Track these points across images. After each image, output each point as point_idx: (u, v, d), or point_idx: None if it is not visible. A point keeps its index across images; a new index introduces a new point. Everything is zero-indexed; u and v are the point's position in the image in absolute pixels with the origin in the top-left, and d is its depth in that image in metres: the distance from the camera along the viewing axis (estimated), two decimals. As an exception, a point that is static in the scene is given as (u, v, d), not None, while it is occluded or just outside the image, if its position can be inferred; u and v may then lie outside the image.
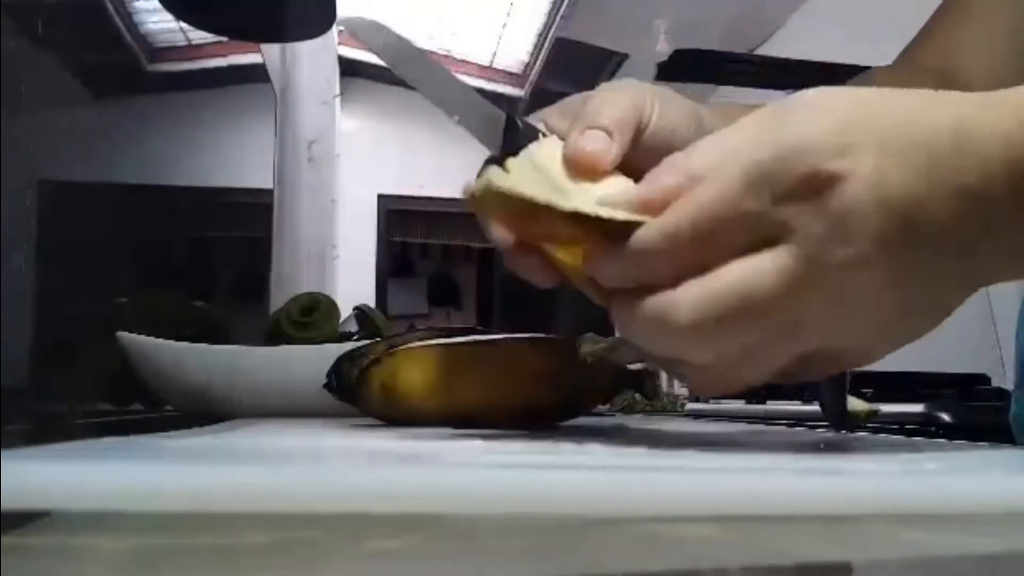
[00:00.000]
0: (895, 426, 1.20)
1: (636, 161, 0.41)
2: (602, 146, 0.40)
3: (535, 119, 0.47)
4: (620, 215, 0.34)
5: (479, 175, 0.39)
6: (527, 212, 0.37)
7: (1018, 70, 0.60)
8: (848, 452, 0.38)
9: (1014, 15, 0.61)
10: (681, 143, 0.41)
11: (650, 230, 0.33)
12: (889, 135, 0.32)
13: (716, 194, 0.32)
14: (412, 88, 0.48)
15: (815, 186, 0.31)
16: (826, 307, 0.32)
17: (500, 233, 0.40)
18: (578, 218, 0.35)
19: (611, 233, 0.35)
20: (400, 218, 4.77)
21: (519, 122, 0.45)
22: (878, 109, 0.33)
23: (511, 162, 0.40)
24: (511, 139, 0.45)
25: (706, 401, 1.74)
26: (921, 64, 0.65)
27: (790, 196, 0.31)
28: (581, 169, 0.40)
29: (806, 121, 0.32)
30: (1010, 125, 0.32)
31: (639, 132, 0.42)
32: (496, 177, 0.37)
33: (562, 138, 0.42)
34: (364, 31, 0.48)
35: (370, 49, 0.48)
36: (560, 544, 0.21)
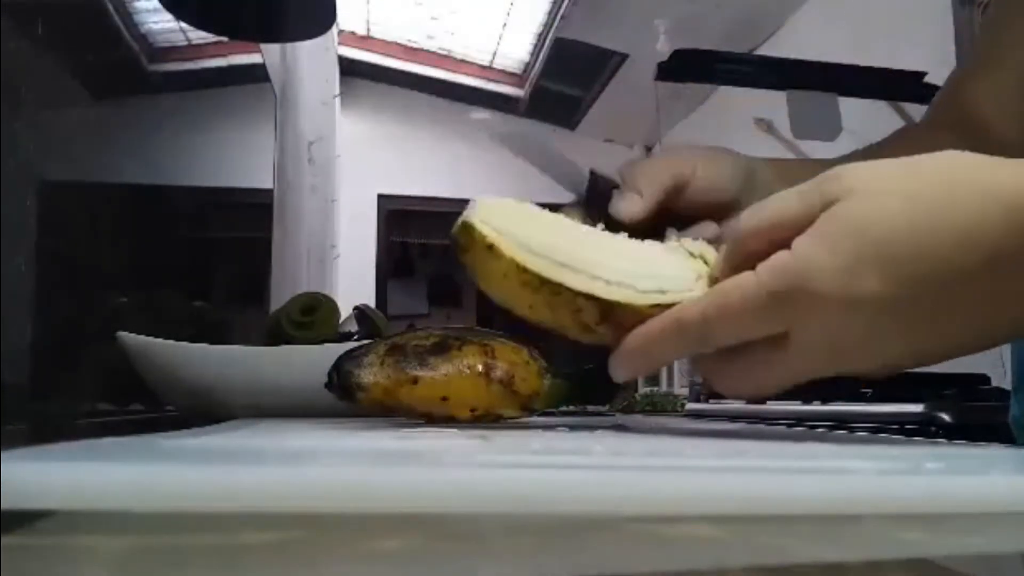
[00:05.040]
0: (895, 426, 1.20)
1: (680, 212, 0.54)
2: (626, 213, 0.53)
3: (616, 172, 0.57)
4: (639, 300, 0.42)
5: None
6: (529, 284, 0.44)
7: None
8: (848, 452, 0.38)
9: None
10: (724, 196, 0.56)
11: (692, 311, 0.41)
12: (891, 265, 0.37)
13: (738, 298, 0.40)
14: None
15: (818, 307, 0.38)
16: (827, 370, 0.40)
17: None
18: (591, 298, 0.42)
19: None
20: (400, 218, 4.77)
21: (600, 179, 0.55)
22: (884, 242, 0.38)
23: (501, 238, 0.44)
24: (592, 191, 0.56)
25: (706, 401, 1.74)
26: (944, 122, 0.68)
27: (796, 315, 0.39)
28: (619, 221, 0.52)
29: (813, 252, 0.38)
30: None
31: (680, 187, 0.54)
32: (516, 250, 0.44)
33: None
34: (511, 140, 0.61)
35: (518, 155, 0.60)
36: (560, 544, 0.21)
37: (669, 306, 0.42)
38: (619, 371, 0.45)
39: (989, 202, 0.37)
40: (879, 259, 0.37)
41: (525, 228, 0.44)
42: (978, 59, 0.67)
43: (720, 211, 0.56)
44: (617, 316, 0.42)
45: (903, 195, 0.38)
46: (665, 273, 0.43)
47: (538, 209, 0.46)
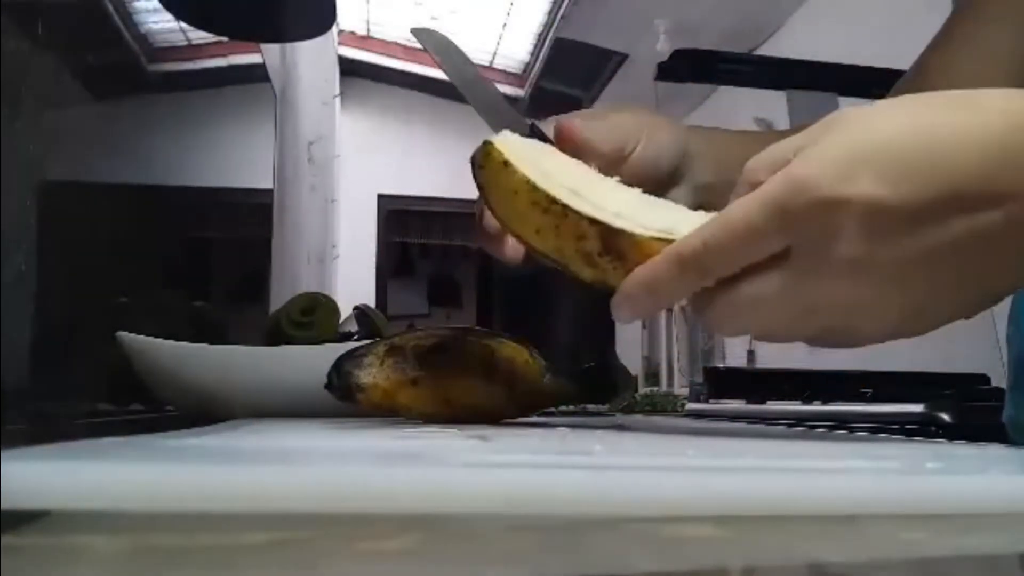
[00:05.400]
0: (895, 426, 1.20)
1: (625, 178, 0.48)
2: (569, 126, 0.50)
3: (548, 123, 0.54)
4: (638, 231, 0.41)
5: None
6: (534, 202, 0.41)
7: None
8: (848, 452, 0.38)
9: (1012, 44, 0.63)
10: (666, 166, 0.53)
11: (692, 239, 0.40)
12: (889, 163, 0.37)
13: (739, 217, 0.38)
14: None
15: (817, 211, 0.37)
16: (830, 300, 0.38)
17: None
18: (595, 223, 0.42)
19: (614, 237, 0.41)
20: (400, 218, 4.77)
21: (539, 130, 0.52)
22: (880, 138, 0.37)
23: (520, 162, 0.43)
24: None
25: (706, 401, 1.74)
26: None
27: (796, 221, 0.37)
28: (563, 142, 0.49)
29: (813, 157, 0.38)
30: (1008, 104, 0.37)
31: (625, 153, 0.51)
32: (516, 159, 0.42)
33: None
34: (426, 39, 0.56)
35: (433, 57, 0.56)
36: (560, 544, 0.21)
37: (662, 239, 0.41)
38: (621, 311, 0.42)
39: (1012, 112, 0.37)
40: (885, 160, 0.36)
41: (544, 158, 0.45)
42: (945, 38, 0.67)
43: (657, 184, 0.53)
44: (620, 247, 0.41)
45: (899, 107, 0.39)
46: (674, 217, 0.42)
47: (560, 152, 0.48)
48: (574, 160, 0.48)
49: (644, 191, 0.46)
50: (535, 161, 0.44)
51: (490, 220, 0.49)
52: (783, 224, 0.37)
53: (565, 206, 0.42)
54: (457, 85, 0.53)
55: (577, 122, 0.51)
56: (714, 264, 0.39)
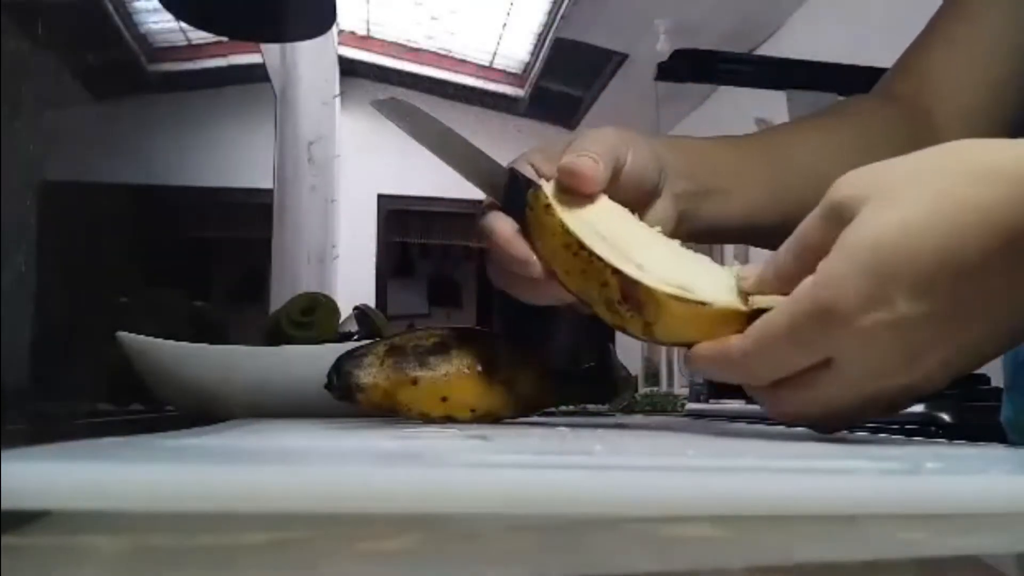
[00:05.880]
0: (895, 426, 1.20)
1: (613, 196, 0.49)
2: (590, 169, 0.48)
3: (520, 161, 0.53)
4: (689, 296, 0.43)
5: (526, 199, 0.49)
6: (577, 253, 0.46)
7: (988, 100, 0.63)
8: (848, 452, 0.38)
9: (991, 44, 0.63)
10: (651, 179, 0.52)
11: (735, 347, 0.42)
12: (917, 278, 0.37)
13: (778, 329, 0.40)
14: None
15: (850, 333, 0.38)
16: (879, 392, 0.40)
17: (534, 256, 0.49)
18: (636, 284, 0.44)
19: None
20: (400, 218, 4.77)
21: (519, 175, 0.52)
22: (906, 255, 0.37)
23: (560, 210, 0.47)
24: (513, 190, 0.51)
25: (706, 401, 1.74)
26: (895, 94, 0.68)
27: (831, 340, 0.39)
28: (572, 186, 0.48)
29: (837, 276, 0.38)
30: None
31: (617, 171, 0.50)
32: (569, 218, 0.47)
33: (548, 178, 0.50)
34: (390, 111, 0.57)
35: (399, 126, 0.57)
36: (560, 544, 0.21)
37: (690, 302, 0.43)
38: (689, 366, 0.46)
39: (995, 181, 0.37)
40: (906, 276, 0.37)
41: (588, 206, 0.48)
42: (932, 33, 0.67)
43: (644, 197, 0.52)
44: (637, 297, 0.44)
45: (916, 201, 0.38)
46: (699, 278, 0.44)
47: (605, 197, 0.50)
48: (619, 207, 0.50)
49: (663, 232, 0.49)
50: (579, 204, 0.48)
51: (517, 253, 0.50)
52: (819, 343, 0.39)
53: (591, 253, 0.45)
54: (428, 148, 0.55)
55: (585, 161, 0.48)
56: (756, 371, 0.41)
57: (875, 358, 0.39)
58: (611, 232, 0.47)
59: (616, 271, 0.44)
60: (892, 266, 0.37)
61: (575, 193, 0.48)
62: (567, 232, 0.46)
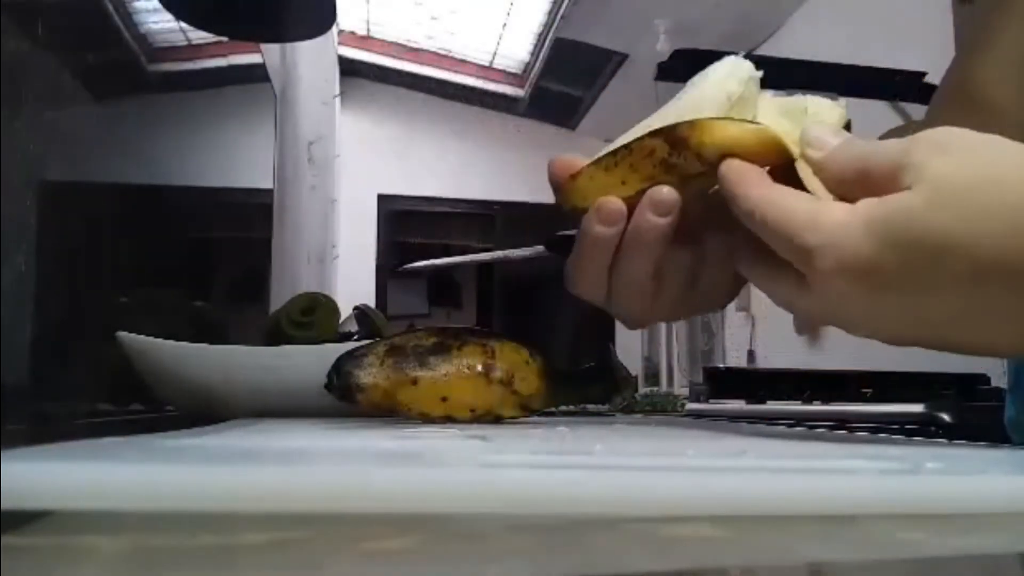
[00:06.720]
0: (895, 426, 1.20)
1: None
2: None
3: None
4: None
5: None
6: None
7: None
8: (848, 452, 0.38)
9: None
10: None
11: (766, 188, 0.42)
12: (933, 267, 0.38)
13: (783, 216, 0.41)
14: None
15: (835, 280, 0.39)
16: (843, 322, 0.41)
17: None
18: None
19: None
20: (400, 218, 4.77)
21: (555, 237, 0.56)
22: (930, 241, 0.37)
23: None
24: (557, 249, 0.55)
25: (706, 401, 1.74)
26: (950, 107, 0.68)
27: (816, 272, 0.39)
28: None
29: (854, 236, 0.38)
30: None
31: None
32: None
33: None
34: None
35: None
36: (560, 544, 0.21)
37: (727, 119, 0.44)
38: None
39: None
40: (915, 262, 0.37)
41: None
42: (974, 41, 0.67)
43: None
44: (684, 137, 0.44)
45: (980, 200, 0.38)
46: (703, 103, 0.45)
47: None
48: None
49: None
50: None
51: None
52: (806, 264, 0.40)
53: (625, 145, 0.46)
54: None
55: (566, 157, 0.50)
56: (752, 220, 0.41)
57: (848, 311, 0.40)
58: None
59: (653, 134, 0.45)
60: (904, 252, 0.38)
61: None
62: (597, 161, 0.46)
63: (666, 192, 0.44)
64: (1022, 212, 0.37)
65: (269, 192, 2.57)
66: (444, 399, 0.57)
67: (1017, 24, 0.63)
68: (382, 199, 4.63)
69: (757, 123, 0.44)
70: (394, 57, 4.26)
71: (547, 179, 0.48)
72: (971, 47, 0.67)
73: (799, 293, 0.41)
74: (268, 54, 2.43)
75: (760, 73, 0.46)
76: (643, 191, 0.45)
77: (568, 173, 0.47)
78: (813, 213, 0.40)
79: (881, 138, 0.45)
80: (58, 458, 0.23)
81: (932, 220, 0.37)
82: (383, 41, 4.22)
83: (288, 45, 2.51)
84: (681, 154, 0.44)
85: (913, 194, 0.38)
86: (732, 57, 0.47)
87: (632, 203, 0.45)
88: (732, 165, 0.43)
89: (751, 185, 0.42)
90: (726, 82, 0.46)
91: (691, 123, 0.44)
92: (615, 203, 0.45)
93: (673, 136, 0.44)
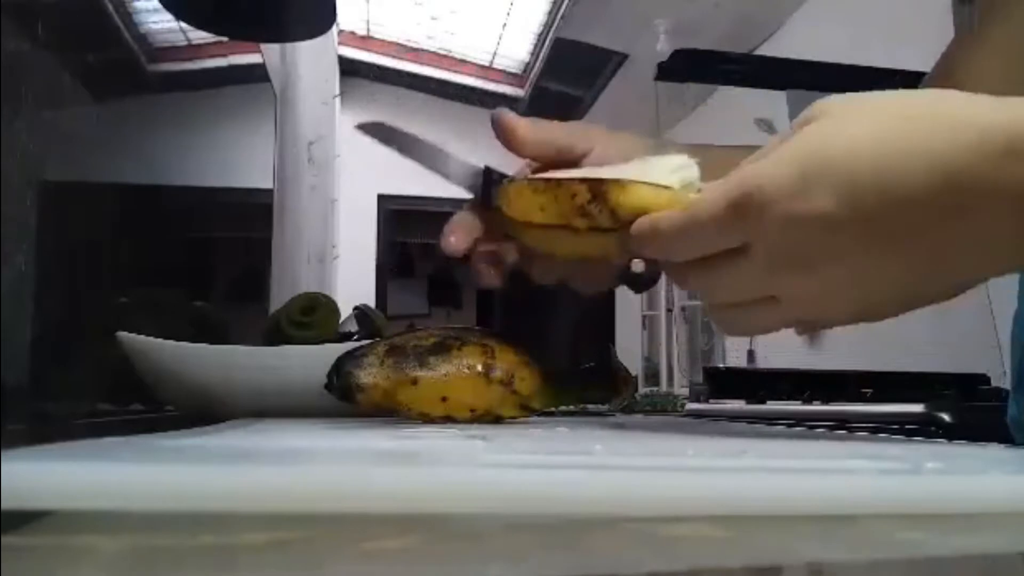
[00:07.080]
0: (895, 426, 1.20)
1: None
2: (519, 125, 0.56)
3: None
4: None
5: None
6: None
7: None
8: (848, 452, 0.38)
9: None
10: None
11: (664, 220, 0.45)
12: (839, 181, 0.38)
13: (703, 210, 0.42)
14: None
15: (769, 221, 0.39)
16: (788, 293, 0.41)
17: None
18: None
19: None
20: (400, 218, 4.77)
21: (494, 173, 0.57)
22: (835, 154, 0.38)
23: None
24: (488, 186, 0.57)
25: (706, 401, 1.74)
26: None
27: (750, 226, 0.40)
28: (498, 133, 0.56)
29: (768, 168, 0.39)
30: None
31: (566, 154, 0.56)
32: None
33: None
34: (375, 133, 0.67)
35: (385, 145, 0.66)
36: (560, 544, 0.21)
37: (653, 185, 0.47)
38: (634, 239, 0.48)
39: (962, 128, 0.36)
40: (834, 177, 0.38)
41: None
42: (963, 36, 0.67)
43: None
44: (607, 193, 0.47)
45: (873, 118, 0.38)
46: (652, 164, 0.49)
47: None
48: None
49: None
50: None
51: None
52: (736, 226, 0.40)
53: (557, 179, 0.50)
54: (416, 160, 0.64)
55: (521, 120, 0.57)
56: (680, 243, 0.44)
57: (785, 251, 0.39)
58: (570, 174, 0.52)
59: (582, 180, 0.49)
60: (822, 167, 0.38)
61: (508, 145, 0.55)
62: (530, 181, 0.51)
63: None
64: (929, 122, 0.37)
65: (269, 192, 2.57)
66: (444, 399, 0.57)
67: (1004, 17, 0.64)
68: (382, 199, 4.63)
69: (667, 186, 0.47)
70: (394, 57, 4.26)
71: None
72: (960, 38, 0.68)
73: (736, 267, 0.42)
74: (268, 54, 2.43)
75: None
76: (558, 226, 0.50)
77: (510, 134, 0.55)
78: (727, 190, 0.41)
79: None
80: (58, 458, 0.23)
81: (841, 132, 0.38)
82: (383, 41, 4.22)
83: (288, 45, 2.51)
84: (598, 206, 0.48)
85: (817, 123, 0.39)
86: (686, 157, 0.49)
87: (547, 231, 0.51)
88: (638, 228, 0.46)
89: (663, 219, 0.44)
90: (673, 174, 0.48)
91: (616, 180, 0.47)
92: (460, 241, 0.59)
93: (596, 187, 0.48)
